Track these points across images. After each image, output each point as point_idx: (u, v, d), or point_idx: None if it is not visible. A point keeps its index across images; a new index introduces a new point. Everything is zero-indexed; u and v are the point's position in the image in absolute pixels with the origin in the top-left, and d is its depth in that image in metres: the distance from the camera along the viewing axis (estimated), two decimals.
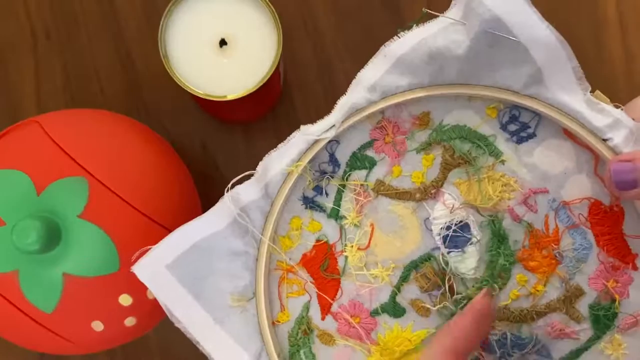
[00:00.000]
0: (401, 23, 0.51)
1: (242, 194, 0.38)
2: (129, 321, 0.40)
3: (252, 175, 0.39)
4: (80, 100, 0.51)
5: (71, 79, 0.51)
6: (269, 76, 0.40)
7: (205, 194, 0.48)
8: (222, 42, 0.41)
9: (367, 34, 0.51)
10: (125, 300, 0.39)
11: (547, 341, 0.40)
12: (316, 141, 0.39)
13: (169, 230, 0.39)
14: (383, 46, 0.39)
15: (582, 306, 0.39)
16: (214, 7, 0.41)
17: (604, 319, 0.39)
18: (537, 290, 0.39)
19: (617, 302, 0.39)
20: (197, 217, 0.38)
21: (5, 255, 0.37)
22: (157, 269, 0.37)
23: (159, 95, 0.51)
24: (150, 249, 0.37)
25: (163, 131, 0.51)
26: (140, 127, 0.44)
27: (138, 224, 0.39)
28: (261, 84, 0.40)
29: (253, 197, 0.39)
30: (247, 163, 0.40)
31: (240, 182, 0.39)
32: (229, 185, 0.38)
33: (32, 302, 0.37)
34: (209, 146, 0.51)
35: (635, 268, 0.39)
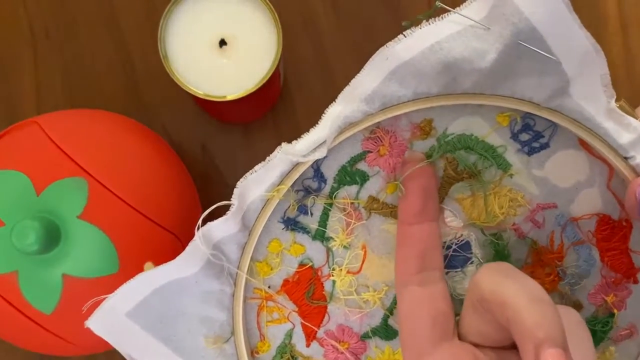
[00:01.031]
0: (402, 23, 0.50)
1: (215, 231, 0.34)
2: None
3: (227, 205, 0.34)
4: (79, 101, 0.51)
5: (71, 79, 0.51)
6: (269, 76, 0.40)
7: (205, 194, 0.48)
8: (222, 42, 0.41)
9: (367, 34, 0.51)
10: None
11: None
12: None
13: (169, 231, 0.39)
14: (384, 46, 0.33)
15: None
16: (213, 7, 0.41)
17: (600, 332, 0.38)
18: None
19: (615, 317, 0.37)
20: (165, 263, 0.34)
21: (5, 256, 0.37)
22: (114, 318, 0.34)
23: (159, 96, 0.51)
24: (105, 298, 0.34)
25: (163, 131, 0.51)
26: (140, 128, 0.44)
27: (138, 225, 0.39)
28: (261, 84, 0.40)
29: (228, 233, 0.34)
30: (247, 163, 0.39)
31: (217, 210, 0.34)
32: (199, 222, 0.33)
33: (31, 303, 0.37)
34: (209, 146, 0.51)
35: (636, 281, 0.38)
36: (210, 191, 0.49)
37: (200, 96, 0.40)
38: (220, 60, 0.41)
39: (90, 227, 0.37)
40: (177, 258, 0.34)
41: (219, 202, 0.37)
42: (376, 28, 0.51)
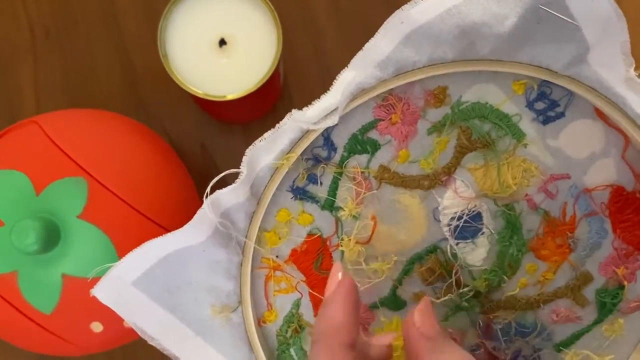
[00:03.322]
0: None
1: (224, 200, 0.34)
2: None
3: (235, 173, 0.34)
4: (79, 100, 0.51)
5: (70, 78, 0.51)
6: (268, 76, 0.40)
7: (205, 195, 0.47)
8: (222, 42, 0.41)
9: (367, 34, 0.51)
10: None
11: (550, 326, 0.39)
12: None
13: (168, 230, 0.39)
14: (399, 10, 0.31)
15: (589, 291, 0.38)
16: (213, 7, 0.41)
17: (610, 304, 0.38)
18: (546, 279, 0.37)
19: (625, 289, 0.37)
20: (173, 232, 0.34)
21: (4, 256, 0.37)
22: (121, 287, 0.34)
23: (159, 95, 0.51)
24: (110, 266, 0.34)
25: (162, 131, 0.51)
26: (139, 127, 0.44)
27: (137, 225, 0.38)
28: (261, 84, 0.40)
29: (236, 201, 0.34)
30: None
31: (223, 180, 0.33)
32: (208, 190, 0.33)
33: (31, 303, 0.37)
34: (209, 146, 0.51)
35: None
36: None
37: (200, 96, 0.40)
38: (220, 60, 0.41)
39: (90, 226, 0.37)
40: (185, 226, 0.33)
41: (198, 212, 0.37)
42: (376, 28, 0.51)
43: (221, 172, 0.51)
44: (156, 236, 0.38)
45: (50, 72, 0.51)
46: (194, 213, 0.43)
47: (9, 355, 0.50)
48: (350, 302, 0.29)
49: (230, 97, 0.40)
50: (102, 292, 0.34)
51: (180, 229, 0.33)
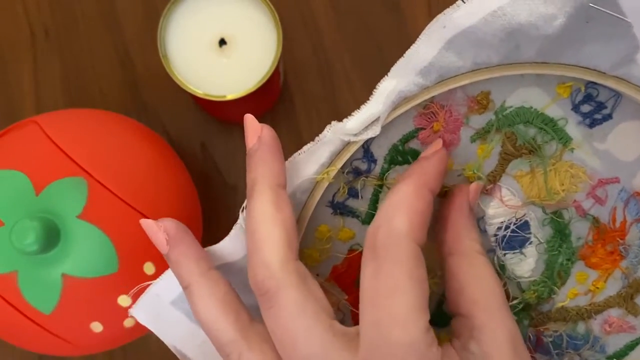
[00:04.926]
0: (402, 23, 0.50)
1: None
2: (128, 322, 0.40)
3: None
4: (79, 100, 0.51)
5: (70, 78, 0.51)
6: (268, 76, 0.40)
7: (205, 194, 0.47)
8: (222, 42, 0.41)
9: (367, 33, 0.51)
10: (124, 301, 0.39)
11: (603, 337, 0.37)
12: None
13: None
14: (442, 14, 0.30)
15: None
16: (213, 7, 0.41)
17: None
18: (597, 288, 0.36)
19: None
20: (210, 247, 0.32)
21: (4, 256, 0.36)
22: (159, 307, 0.32)
23: (159, 95, 0.51)
24: (149, 284, 0.32)
25: (162, 131, 0.51)
26: (139, 127, 0.44)
27: (137, 225, 0.38)
28: (261, 84, 0.40)
29: None
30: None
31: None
32: (244, 205, 0.31)
33: (31, 303, 0.37)
34: (209, 146, 0.51)
35: None
36: (210, 191, 0.49)
37: (200, 96, 0.40)
38: (220, 60, 0.41)
39: (90, 226, 0.37)
40: (221, 243, 0.32)
41: (219, 201, 0.36)
42: (376, 28, 0.51)
43: (221, 172, 0.51)
44: None
45: (50, 72, 0.51)
46: (194, 213, 0.43)
47: (9, 355, 0.50)
48: (278, 148, 0.30)
49: (230, 97, 0.40)
50: (140, 312, 0.32)
51: (217, 245, 0.32)
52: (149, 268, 0.38)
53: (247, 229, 0.29)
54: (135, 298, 0.33)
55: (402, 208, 0.28)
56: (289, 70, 0.51)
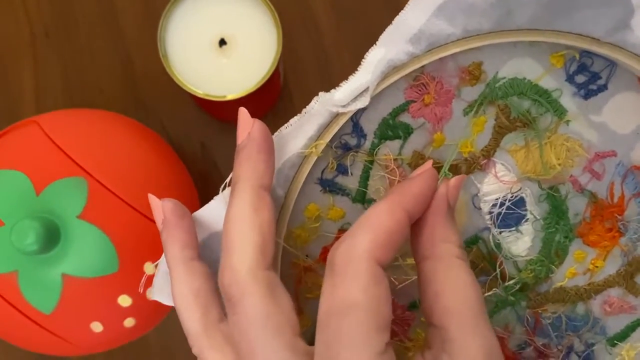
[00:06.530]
0: None
1: None
2: (128, 322, 0.40)
3: None
4: (79, 100, 0.51)
5: (70, 78, 0.51)
6: (268, 76, 0.40)
7: (205, 194, 0.47)
8: (222, 42, 0.41)
9: (367, 34, 0.51)
10: (124, 301, 0.39)
11: (603, 318, 0.36)
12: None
13: None
14: None
15: None
16: (213, 7, 0.41)
17: None
18: (596, 267, 0.35)
19: None
20: (198, 211, 0.31)
21: (4, 256, 0.37)
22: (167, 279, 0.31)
23: (159, 95, 0.51)
24: (156, 264, 0.32)
25: (162, 131, 0.51)
26: (139, 127, 0.44)
27: (137, 225, 0.38)
28: (261, 84, 0.40)
29: None
30: None
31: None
32: (228, 180, 0.30)
33: (31, 303, 0.37)
34: (209, 146, 0.51)
35: None
36: (209, 190, 0.49)
37: (200, 96, 0.40)
38: (220, 60, 0.41)
39: (90, 226, 0.37)
40: (208, 205, 0.31)
41: (215, 199, 0.35)
42: (376, 28, 0.51)
43: (220, 172, 0.51)
44: (156, 235, 0.38)
45: (50, 72, 0.51)
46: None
47: (9, 356, 0.50)
48: (268, 145, 0.29)
49: (230, 97, 0.40)
50: (159, 293, 0.31)
51: (205, 206, 0.31)
52: (149, 268, 0.38)
53: (223, 229, 0.28)
54: (145, 288, 0.33)
55: (368, 225, 0.26)
56: (289, 70, 0.51)
